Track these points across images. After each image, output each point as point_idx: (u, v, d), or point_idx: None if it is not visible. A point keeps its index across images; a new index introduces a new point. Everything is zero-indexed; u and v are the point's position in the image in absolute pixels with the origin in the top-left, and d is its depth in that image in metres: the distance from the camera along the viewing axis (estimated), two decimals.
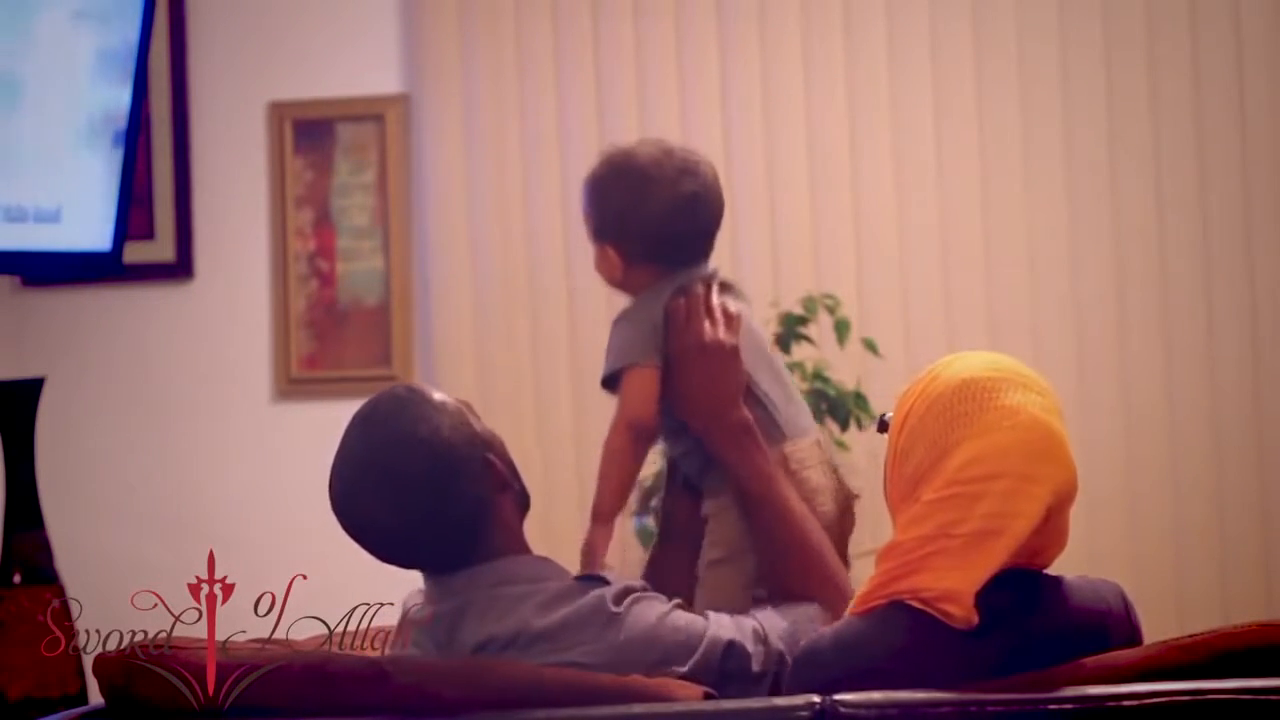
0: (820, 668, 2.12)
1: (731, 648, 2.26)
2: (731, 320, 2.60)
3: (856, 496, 2.70)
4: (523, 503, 2.41)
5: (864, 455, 4.54)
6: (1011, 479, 2.12)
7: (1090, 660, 2.12)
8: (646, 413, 2.59)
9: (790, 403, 2.67)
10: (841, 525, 2.66)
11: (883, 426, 2.34)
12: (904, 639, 2.11)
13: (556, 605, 2.25)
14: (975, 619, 2.09)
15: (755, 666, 2.27)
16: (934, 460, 2.16)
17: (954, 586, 2.09)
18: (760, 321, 4.42)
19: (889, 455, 2.25)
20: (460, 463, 2.32)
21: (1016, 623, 2.13)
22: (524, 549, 2.37)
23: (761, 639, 2.30)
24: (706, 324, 2.58)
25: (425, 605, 2.34)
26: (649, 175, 2.60)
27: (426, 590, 2.36)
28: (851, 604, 2.20)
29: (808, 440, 2.65)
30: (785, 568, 2.49)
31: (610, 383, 2.63)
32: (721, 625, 2.28)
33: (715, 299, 2.61)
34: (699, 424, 2.58)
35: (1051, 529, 2.18)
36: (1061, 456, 2.17)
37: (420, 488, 2.29)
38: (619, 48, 4.71)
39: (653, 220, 2.60)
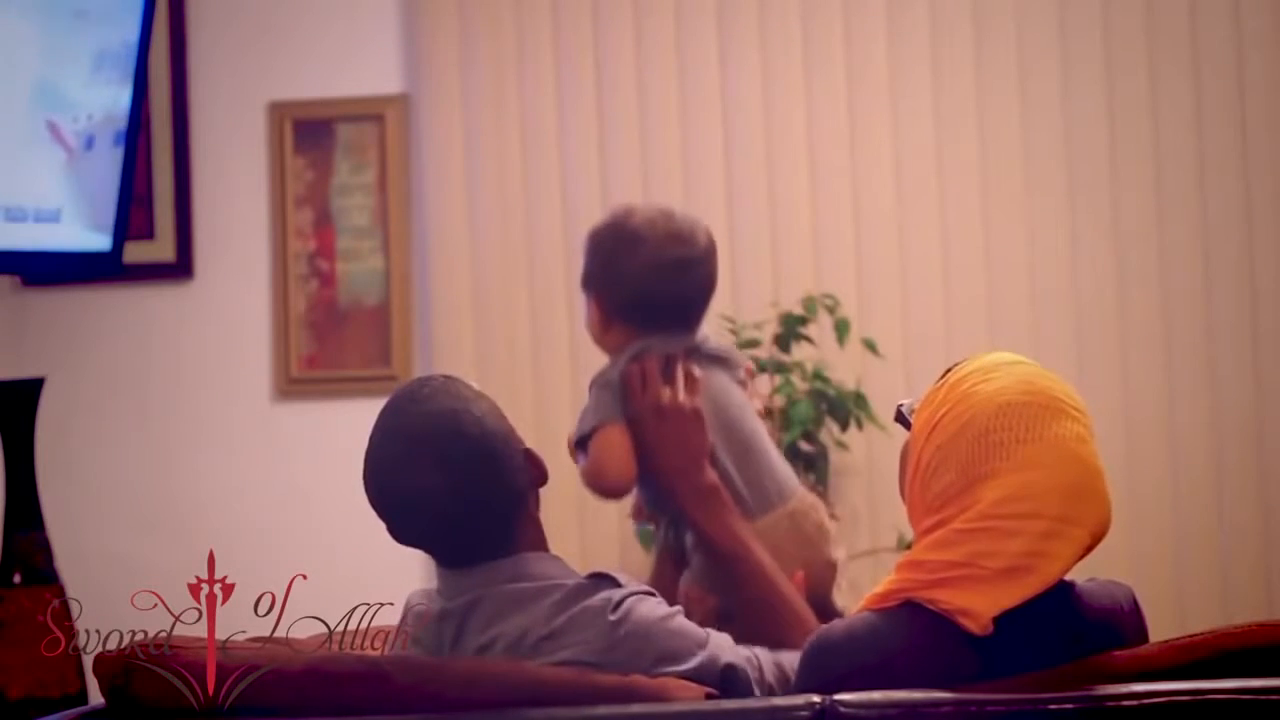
0: (830, 661, 2.11)
1: (730, 669, 2.25)
2: (692, 384, 2.60)
3: (834, 565, 2.67)
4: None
5: (864, 456, 4.54)
6: (1050, 521, 2.09)
7: (1090, 660, 2.12)
8: (612, 470, 2.60)
9: (762, 478, 2.65)
10: (815, 595, 2.63)
11: (900, 418, 2.31)
12: (917, 638, 2.10)
13: (566, 605, 2.25)
14: (991, 629, 2.08)
15: (755, 692, 2.26)
16: (965, 486, 2.12)
17: (974, 607, 2.08)
18: (760, 321, 4.46)
19: (912, 461, 2.21)
20: (504, 448, 2.32)
21: (1031, 629, 2.12)
22: (545, 546, 2.37)
23: (756, 668, 2.29)
24: (664, 389, 2.58)
25: (435, 601, 2.33)
26: (637, 233, 2.62)
27: (440, 584, 2.34)
28: (864, 600, 2.19)
29: (777, 514, 2.63)
30: (762, 623, 2.47)
31: (584, 446, 2.64)
32: (722, 645, 2.28)
33: (680, 364, 2.60)
34: (664, 485, 2.58)
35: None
36: (1099, 493, 2.14)
37: (466, 466, 2.28)
38: (619, 48, 4.71)
39: (630, 277, 2.61)
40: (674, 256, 2.60)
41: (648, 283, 2.60)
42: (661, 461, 2.58)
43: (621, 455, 2.59)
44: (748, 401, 2.71)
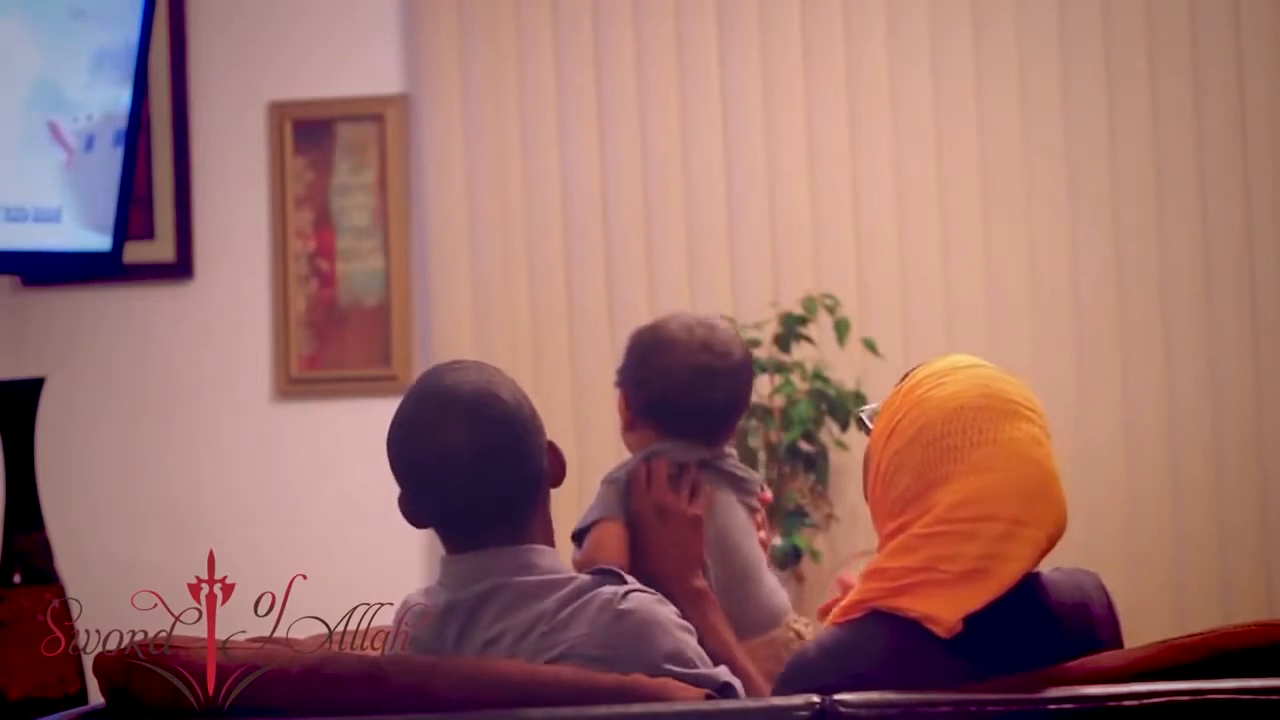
0: (808, 677, 2.11)
1: (729, 689, 2.23)
2: (697, 493, 2.61)
3: None
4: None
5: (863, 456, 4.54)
6: (1006, 523, 2.10)
7: (1089, 660, 2.12)
8: (602, 564, 2.61)
9: (747, 606, 2.64)
10: None
11: (861, 424, 2.33)
12: (889, 644, 2.11)
13: (574, 598, 2.24)
14: (959, 629, 2.09)
15: None
16: (921, 490, 2.14)
17: (937, 613, 2.08)
18: (760, 321, 4.46)
19: (872, 467, 2.23)
20: (532, 428, 2.33)
21: (1001, 624, 2.12)
22: (553, 543, 2.36)
23: None
24: (669, 492, 2.59)
25: (438, 594, 2.31)
26: (673, 337, 2.65)
27: (444, 573, 2.32)
28: (831, 615, 2.19)
29: (757, 640, 2.62)
30: None
31: (580, 538, 2.65)
32: (726, 670, 2.27)
33: (690, 473, 2.61)
34: (657, 585, 2.59)
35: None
36: (1054, 495, 2.14)
37: (497, 433, 2.28)
38: (619, 48, 4.71)
39: (657, 378, 2.63)
40: (703, 364, 2.62)
41: (673, 386, 2.63)
42: (655, 562, 2.58)
43: (614, 551, 2.60)
44: (751, 527, 2.70)
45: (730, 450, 2.70)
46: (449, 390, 2.30)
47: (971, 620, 2.09)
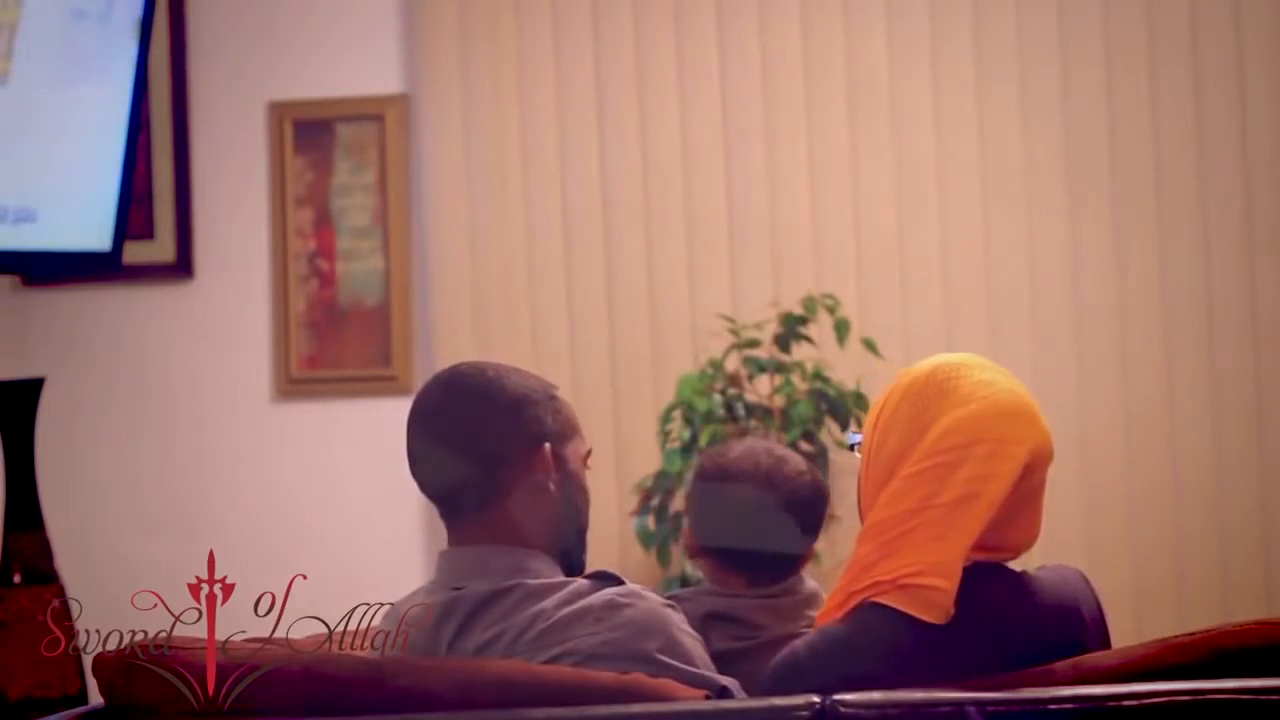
0: (799, 678, 2.11)
1: (726, 693, 2.23)
2: None
3: None
4: (564, 549, 2.35)
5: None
6: (991, 443, 2.15)
7: (1089, 659, 2.12)
8: None
9: None
10: None
11: (854, 448, 2.35)
12: (879, 641, 2.11)
13: (573, 599, 2.23)
14: (952, 609, 2.10)
15: None
16: (912, 440, 2.19)
17: (937, 559, 2.10)
18: (760, 321, 4.46)
19: (865, 450, 2.26)
20: (507, 415, 2.31)
21: (991, 616, 2.13)
22: (544, 549, 2.33)
23: None
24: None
25: (436, 590, 2.30)
26: (736, 469, 2.52)
27: (438, 567, 2.32)
28: (828, 602, 2.20)
29: None
30: None
31: None
32: (731, 682, 2.25)
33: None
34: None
35: (1024, 510, 2.19)
36: (1036, 421, 2.20)
37: (457, 400, 2.32)
38: (619, 48, 4.71)
39: (715, 514, 2.53)
40: (758, 498, 2.50)
41: (729, 521, 2.51)
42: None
43: None
44: None
45: (802, 578, 2.55)
46: (449, 368, 2.40)
47: (961, 613, 2.09)
